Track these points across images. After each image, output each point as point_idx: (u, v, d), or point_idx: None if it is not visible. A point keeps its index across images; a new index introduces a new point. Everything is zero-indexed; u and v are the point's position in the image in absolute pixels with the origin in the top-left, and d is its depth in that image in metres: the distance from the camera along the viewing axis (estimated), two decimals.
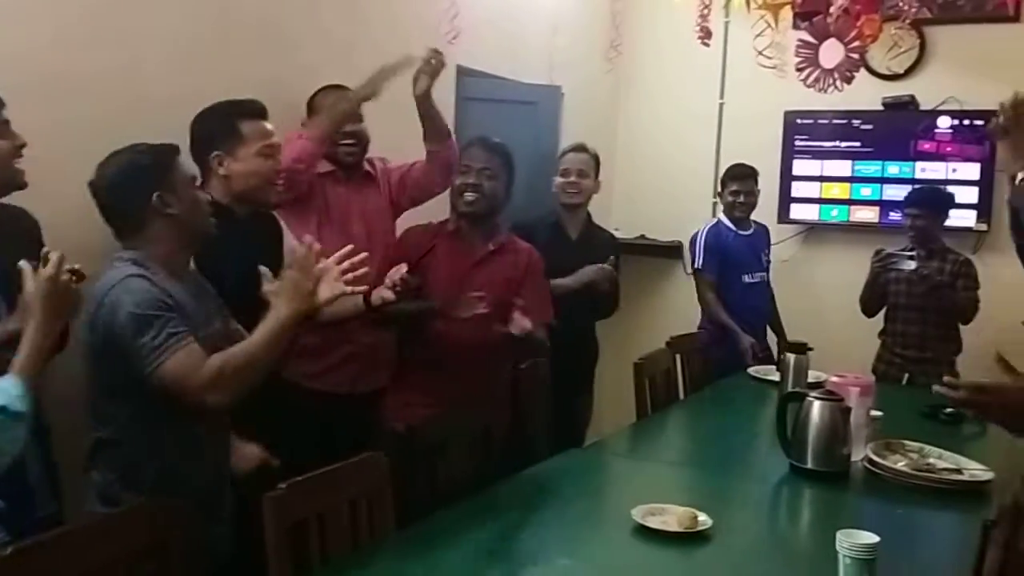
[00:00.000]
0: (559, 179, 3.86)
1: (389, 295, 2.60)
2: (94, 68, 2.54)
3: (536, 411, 3.30)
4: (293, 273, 2.07)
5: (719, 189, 4.56)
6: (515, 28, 4.46)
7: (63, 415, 2.23)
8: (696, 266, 4.42)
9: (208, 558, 2.04)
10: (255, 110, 2.53)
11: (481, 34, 4.09)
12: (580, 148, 3.91)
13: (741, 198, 4.41)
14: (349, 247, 2.15)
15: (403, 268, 2.63)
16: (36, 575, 1.58)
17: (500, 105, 4.48)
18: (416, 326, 2.95)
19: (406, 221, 3.29)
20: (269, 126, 2.55)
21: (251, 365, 2.02)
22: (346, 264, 2.12)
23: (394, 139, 3.26)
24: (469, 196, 2.99)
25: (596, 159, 3.91)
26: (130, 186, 2.05)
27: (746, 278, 4.39)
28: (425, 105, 3.09)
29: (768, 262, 4.56)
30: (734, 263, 4.38)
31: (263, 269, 2.21)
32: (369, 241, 3.04)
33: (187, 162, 2.21)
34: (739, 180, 4.44)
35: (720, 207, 4.64)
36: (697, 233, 4.51)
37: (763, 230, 4.63)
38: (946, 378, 1.96)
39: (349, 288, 2.12)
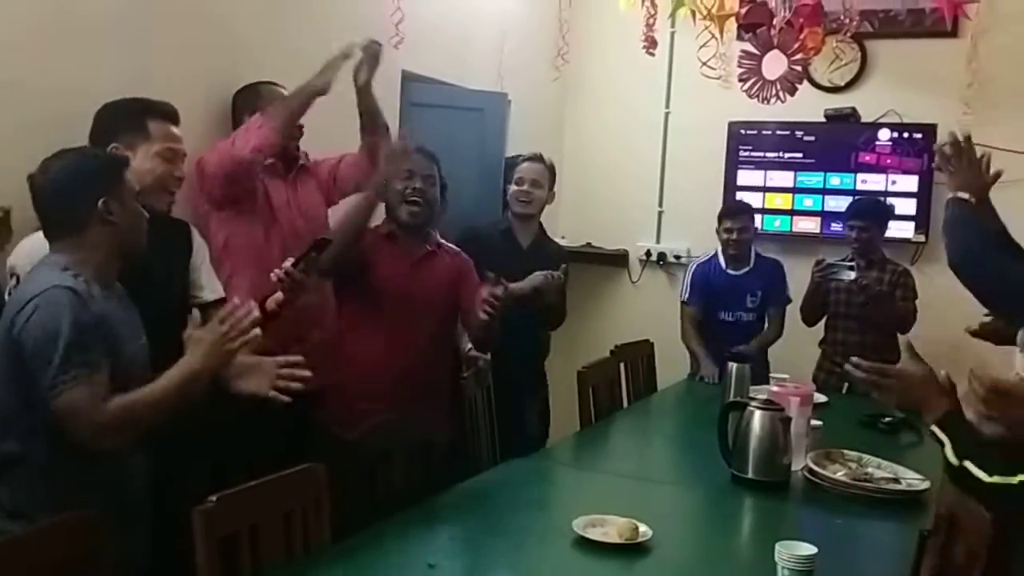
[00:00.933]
0: (512, 187, 3.83)
1: (279, 296, 2.51)
2: (45, 83, 2.47)
3: (479, 419, 3.28)
4: (218, 330, 2.01)
5: (716, 225, 4.41)
6: (462, 34, 4.44)
7: None
8: (682, 298, 4.43)
9: (126, 572, 1.95)
10: (167, 112, 2.47)
11: (427, 39, 4.07)
12: (536, 158, 3.86)
13: (734, 235, 4.30)
14: (292, 359, 2.19)
15: (287, 263, 2.54)
16: None
17: (446, 111, 4.45)
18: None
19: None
20: (178, 132, 2.48)
21: (152, 412, 1.95)
22: (284, 370, 2.13)
23: (320, 132, 3.16)
24: (414, 208, 3.03)
25: (552, 170, 3.88)
26: (77, 188, 1.98)
27: (723, 315, 4.33)
28: (365, 95, 3.03)
29: (760, 300, 4.35)
30: (714, 300, 4.35)
31: (194, 313, 2.18)
32: (310, 233, 2.99)
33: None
34: (731, 217, 4.35)
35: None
36: (690, 263, 4.53)
37: (770, 267, 4.44)
38: (853, 358, 2.01)
39: (274, 393, 2.14)
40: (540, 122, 5.15)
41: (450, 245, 3.20)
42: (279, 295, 2.51)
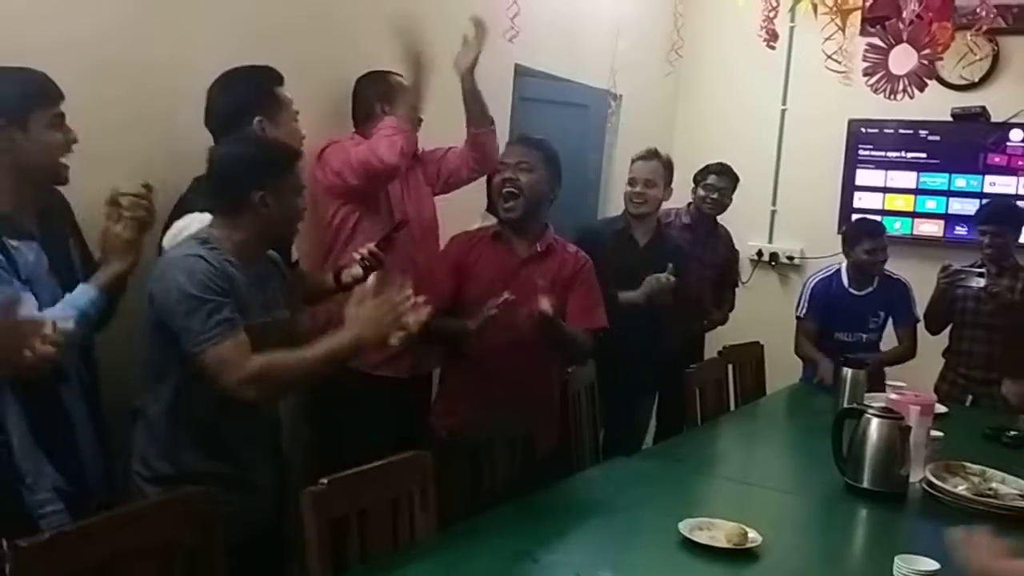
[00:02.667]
0: (627, 188, 3.81)
1: (358, 271, 2.50)
2: (150, 59, 2.53)
3: (583, 416, 3.25)
4: (380, 305, 2.07)
5: (844, 245, 4.13)
6: (575, 29, 4.41)
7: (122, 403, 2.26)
8: (798, 313, 4.20)
9: (238, 528, 2.01)
10: (280, 77, 2.52)
11: (541, 34, 4.06)
12: (650, 155, 3.80)
13: (878, 256, 4.01)
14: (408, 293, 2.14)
15: (371, 244, 2.56)
16: (69, 561, 1.57)
17: (553, 106, 4.46)
18: (453, 345, 2.91)
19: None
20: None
21: (298, 373, 2.07)
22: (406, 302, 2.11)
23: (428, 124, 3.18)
24: (509, 203, 2.89)
25: (668, 165, 3.84)
26: (239, 176, 2.10)
27: (840, 335, 4.09)
28: (469, 82, 3.01)
29: (882, 322, 4.12)
30: (833, 318, 4.11)
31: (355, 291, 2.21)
32: (420, 223, 3.03)
33: (302, 172, 2.23)
34: (873, 238, 4.05)
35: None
36: (810, 278, 4.30)
37: (896, 287, 4.12)
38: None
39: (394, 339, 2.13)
40: (651, 118, 5.09)
41: (569, 244, 3.07)
42: (357, 270, 2.52)
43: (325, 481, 1.91)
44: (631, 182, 3.78)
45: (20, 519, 1.88)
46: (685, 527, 2.09)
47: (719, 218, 4.38)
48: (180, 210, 2.30)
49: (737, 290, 4.63)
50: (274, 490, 2.24)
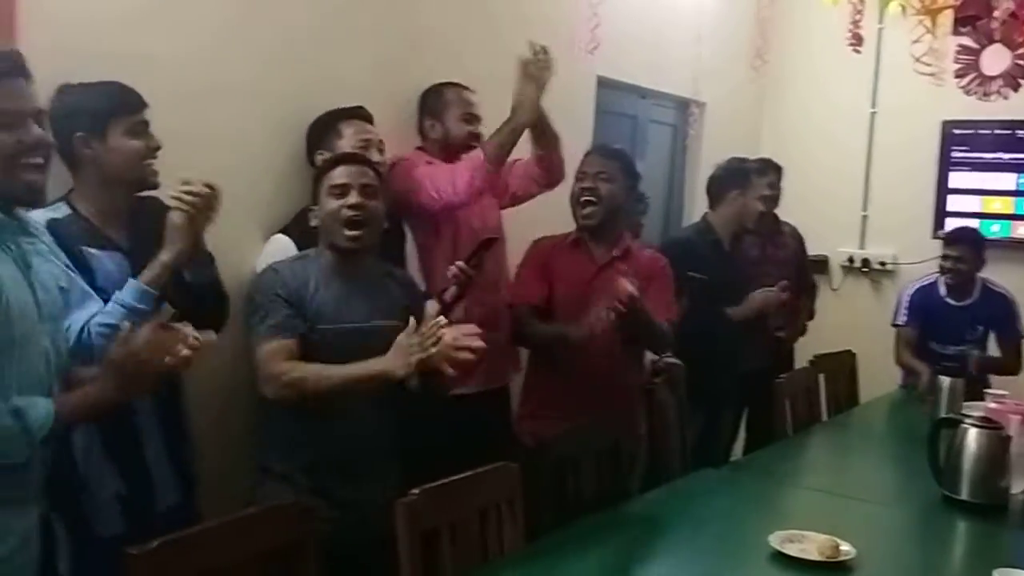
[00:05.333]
0: (742, 197, 3.84)
1: (454, 289, 2.56)
2: (231, 75, 2.62)
3: (670, 426, 3.24)
4: (411, 338, 2.15)
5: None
6: (656, 39, 4.39)
7: (206, 408, 2.38)
8: (896, 322, 4.12)
9: (340, 542, 2.09)
10: (356, 112, 2.72)
11: (623, 44, 4.05)
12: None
13: (948, 263, 3.94)
14: (477, 343, 2.20)
15: (460, 262, 2.59)
16: (173, 571, 1.63)
17: (637, 117, 4.47)
18: (546, 351, 2.93)
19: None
20: (369, 126, 2.72)
21: (328, 386, 2.18)
22: (464, 345, 2.17)
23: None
24: (587, 209, 2.95)
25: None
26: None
27: (936, 346, 3.99)
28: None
29: (981, 335, 4.00)
30: (929, 329, 4.02)
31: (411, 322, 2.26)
32: (486, 234, 3.05)
33: (340, 170, 2.33)
34: (949, 244, 3.99)
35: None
36: (907, 286, 4.23)
37: (998, 301, 4.01)
38: None
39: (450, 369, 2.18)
40: (736, 124, 5.04)
41: (647, 247, 3.10)
42: (453, 289, 2.58)
43: (416, 492, 1.95)
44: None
45: (78, 522, 1.97)
46: (775, 539, 2.06)
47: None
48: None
49: (817, 293, 4.51)
50: (382, 502, 2.27)
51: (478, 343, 2.19)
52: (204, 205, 2.03)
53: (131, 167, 2.08)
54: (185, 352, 1.67)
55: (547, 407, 2.90)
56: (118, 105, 2.06)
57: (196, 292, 2.15)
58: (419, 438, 2.71)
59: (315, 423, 2.22)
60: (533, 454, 2.47)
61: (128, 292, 1.95)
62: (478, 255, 2.62)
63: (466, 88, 3.09)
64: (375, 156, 2.62)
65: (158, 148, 2.12)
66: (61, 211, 2.03)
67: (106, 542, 1.97)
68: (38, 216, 1.88)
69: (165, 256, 2.00)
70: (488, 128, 3.00)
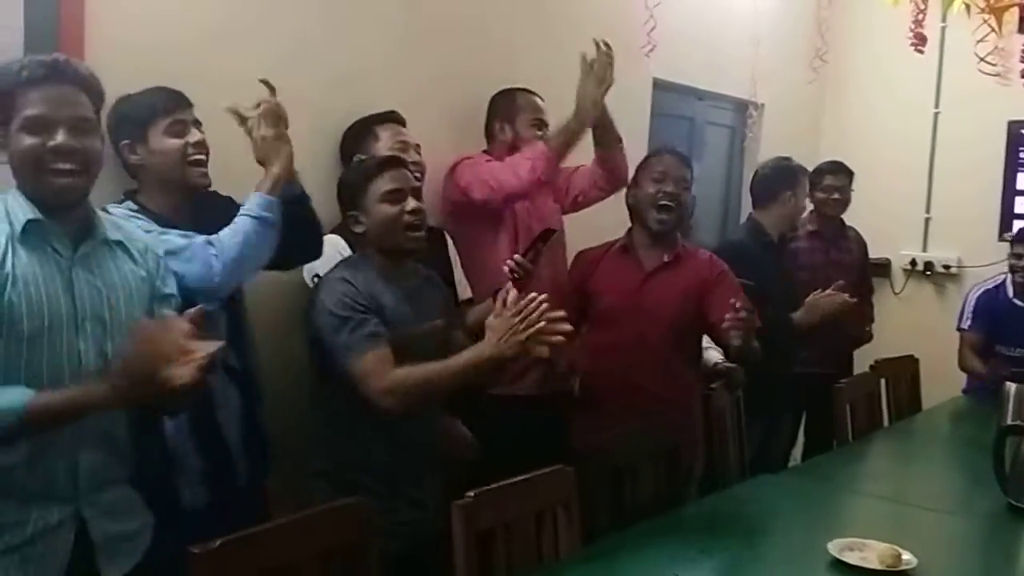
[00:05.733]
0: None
1: (510, 286, 2.54)
2: (305, 86, 2.66)
3: (728, 431, 3.21)
4: (516, 316, 2.09)
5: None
6: (714, 39, 4.36)
7: (282, 388, 2.43)
8: (961, 326, 4.06)
9: (399, 542, 2.12)
10: (391, 116, 2.76)
11: (679, 46, 4.03)
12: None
13: (1021, 263, 3.88)
14: (566, 325, 2.13)
15: (517, 255, 2.59)
16: (235, 569, 1.67)
17: (694, 119, 4.44)
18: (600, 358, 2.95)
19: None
20: (403, 129, 2.76)
21: (433, 386, 2.16)
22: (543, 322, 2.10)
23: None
24: (663, 215, 2.89)
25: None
26: (340, 198, 2.34)
27: (1003, 348, 3.91)
28: (599, 111, 2.98)
29: None
30: (996, 331, 3.95)
31: (469, 310, 2.35)
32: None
33: (390, 175, 2.30)
34: (1018, 242, 3.92)
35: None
36: (973, 289, 4.15)
37: None
38: None
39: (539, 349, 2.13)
40: (794, 126, 4.98)
41: (700, 250, 3.06)
42: (509, 285, 2.56)
43: (472, 494, 1.97)
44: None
45: (168, 504, 2.01)
46: (835, 547, 2.04)
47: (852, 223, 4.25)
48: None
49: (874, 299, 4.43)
50: (438, 504, 2.28)
51: (566, 325, 2.14)
52: (276, 112, 2.11)
53: (172, 166, 2.13)
54: (187, 378, 1.56)
55: (603, 416, 2.89)
56: (156, 109, 2.11)
57: (290, 212, 2.15)
58: (480, 440, 2.74)
59: (384, 425, 2.19)
60: (589, 459, 2.47)
61: (253, 202, 2.06)
62: (535, 248, 2.63)
63: (535, 94, 3.12)
64: (413, 157, 2.66)
65: (200, 144, 2.14)
66: (129, 208, 2.10)
67: (191, 515, 2.09)
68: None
69: (275, 168, 2.09)
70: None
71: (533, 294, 2.11)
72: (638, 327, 2.86)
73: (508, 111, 3.10)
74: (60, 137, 1.63)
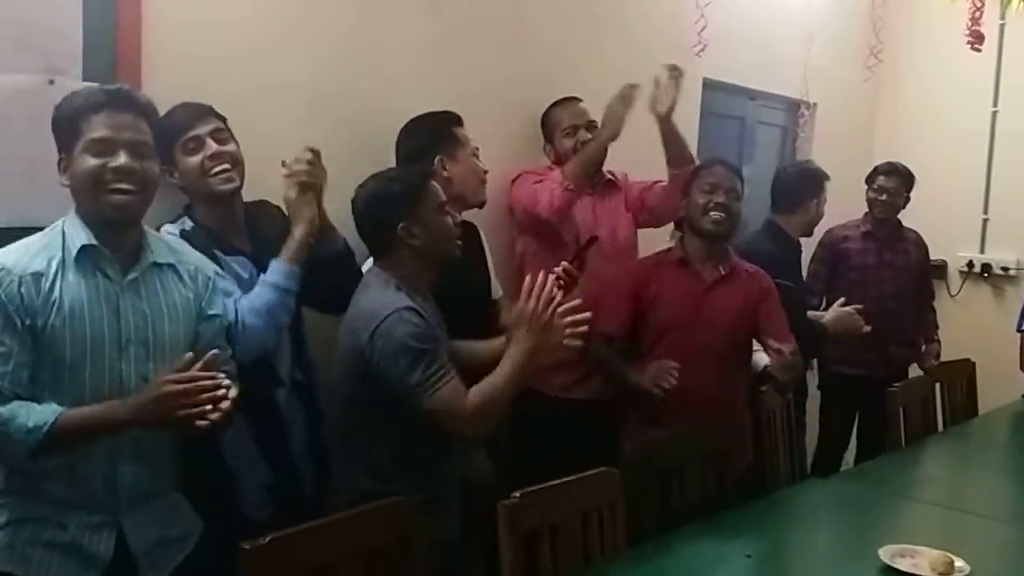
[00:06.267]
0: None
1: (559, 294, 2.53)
2: (348, 90, 2.70)
3: (778, 435, 3.18)
4: (531, 306, 2.06)
5: None
6: (765, 39, 4.30)
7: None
8: (1021, 328, 3.96)
9: (438, 554, 2.11)
10: (459, 117, 2.66)
11: (730, 45, 3.99)
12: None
13: None
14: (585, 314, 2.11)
15: (564, 262, 2.54)
16: (283, 565, 1.70)
17: (745, 120, 4.41)
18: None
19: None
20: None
21: (504, 395, 2.07)
22: (568, 319, 2.08)
23: (629, 156, 3.19)
24: (717, 215, 2.88)
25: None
26: (379, 216, 2.18)
27: None
28: (667, 125, 3.00)
29: None
30: None
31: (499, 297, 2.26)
32: (613, 245, 3.05)
33: (437, 186, 2.27)
34: None
35: None
36: None
37: None
38: None
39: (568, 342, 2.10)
40: (847, 125, 4.91)
41: (750, 264, 3.04)
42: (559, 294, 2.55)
43: (518, 495, 1.98)
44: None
45: (231, 515, 2.08)
46: (886, 554, 2.01)
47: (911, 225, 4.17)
48: None
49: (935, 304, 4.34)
50: (460, 505, 2.30)
51: (586, 314, 2.11)
52: (312, 172, 2.12)
53: (194, 183, 2.15)
54: (209, 418, 1.64)
55: (652, 420, 2.88)
56: (174, 130, 2.11)
57: (333, 266, 2.19)
58: (533, 445, 2.75)
59: (441, 437, 2.15)
60: (638, 462, 2.46)
61: (273, 272, 2.06)
62: (580, 256, 2.64)
63: (572, 99, 3.11)
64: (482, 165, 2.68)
65: (218, 155, 2.12)
66: (187, 223, 2.14)
67: (258, 527, 2.04)
68: (170, 229, 2.02)
69: (298, 232, 2.11)
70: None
71: (541, 276, 2.08)
72: (699, 338, 2.86)
73: (548, 129, 3.13)
74: (121, 159, 1.71)
